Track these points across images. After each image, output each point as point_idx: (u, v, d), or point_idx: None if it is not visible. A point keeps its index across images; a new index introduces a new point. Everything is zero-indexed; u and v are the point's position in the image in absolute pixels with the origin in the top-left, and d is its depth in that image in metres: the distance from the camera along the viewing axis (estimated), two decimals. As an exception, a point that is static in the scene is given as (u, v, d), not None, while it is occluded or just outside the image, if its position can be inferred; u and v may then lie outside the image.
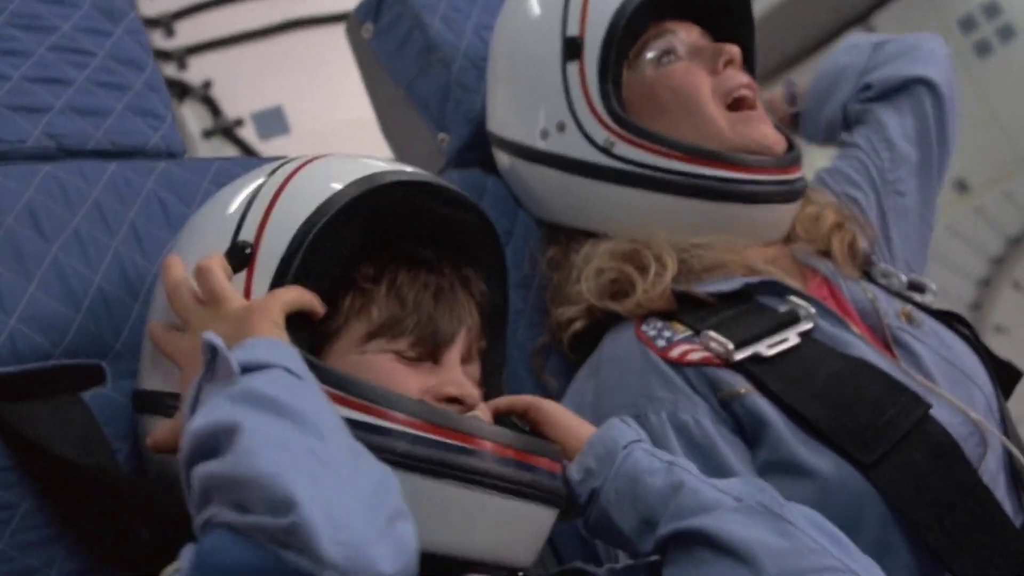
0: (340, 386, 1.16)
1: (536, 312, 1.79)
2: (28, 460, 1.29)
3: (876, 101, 1.91)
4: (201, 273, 1.23)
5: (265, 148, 3.16)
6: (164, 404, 1.26)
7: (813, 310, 1.60)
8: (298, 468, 0.95)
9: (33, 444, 1.28)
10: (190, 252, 1.29)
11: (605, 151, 1.71)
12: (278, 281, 1.22)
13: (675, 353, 1.57)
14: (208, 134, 3.19)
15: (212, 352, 1.07)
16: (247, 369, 1.05)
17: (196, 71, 3.26)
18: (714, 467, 1.47)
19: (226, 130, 3.19)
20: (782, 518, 1.18)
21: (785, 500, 1.22)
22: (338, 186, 1.26)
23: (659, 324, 1.62)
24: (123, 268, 1.43)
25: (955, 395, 1.57)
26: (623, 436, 1.28)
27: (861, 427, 1.47)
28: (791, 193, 1.72)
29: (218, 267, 1.23)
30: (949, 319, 1.73)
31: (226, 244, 1.26)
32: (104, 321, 1.39)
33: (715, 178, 1.67)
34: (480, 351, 1.33)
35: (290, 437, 0.98)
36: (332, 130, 3.07)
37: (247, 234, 1.26)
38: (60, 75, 1.53)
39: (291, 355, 1.10)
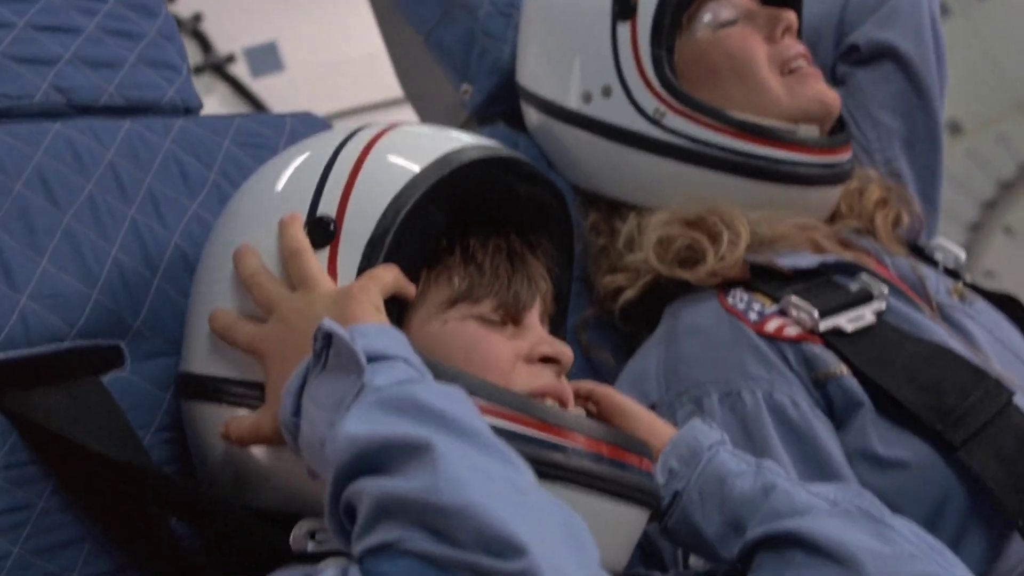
0: (445, 379, 1.06)
1: (577, 281, 1.68)
2: (45, 453, 1.18)
3: (860, 66, 1.81)
4: (292, 255, 1.13)
5: (257, 86, 3.03)
6: (226, 391, 1.15)
7: (886, 289, 1.52)
8: (510, 504, 0.86)
9: (51, 435, 1.17)
10: (258, 227, 1.18)
11: (654, 121, 1.61)
12: (367, 262, 1.13)
13: (771, 327, 1.49)
14: (198, 71, 3.04)
15: (327, 339, 0.99)
16: (368, 359, 0.97)
17: (185, 3, 3.09)
18: (811, 452, 1.41)
19: (217, 67, 3.05)
20: (883, 522, 1.11)
21: (883, 506, 1.15)
22: (425, 161, 1.17)
23: (744, 296, 1.53)
24: (141, 238, 1.31)
25: (1010, 376, 1.50)
26: (707, 437, 1.21)
27: (949, 408, 1.40)
28: (841, 175, 1.65)
29: (308, 248, 1.13)
30: (1001, 300, 1.66)
31: (302, 216, 1.17)
32: (122, 298, 1.27)
33: (768, 158, 1.59)
34: (550, 315, 1.27)
35: (484, 463, 0.89)
36: (329, 69, 2.94)
37: (327, 207, 1.16)
38: (68, 22, 1.40)
39: (405, 344, 1.02)
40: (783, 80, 1.62)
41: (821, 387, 1.45)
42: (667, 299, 1.61)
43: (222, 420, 1.14)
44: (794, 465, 1.40)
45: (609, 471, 1.10)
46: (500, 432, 1.03)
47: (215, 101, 1.76)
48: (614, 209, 1.68)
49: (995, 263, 4.72)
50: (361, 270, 1.13)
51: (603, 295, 1.66)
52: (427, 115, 1.94)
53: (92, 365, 1.25)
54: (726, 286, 1.55)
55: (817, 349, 1.46)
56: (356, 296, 1.08)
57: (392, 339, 1.01)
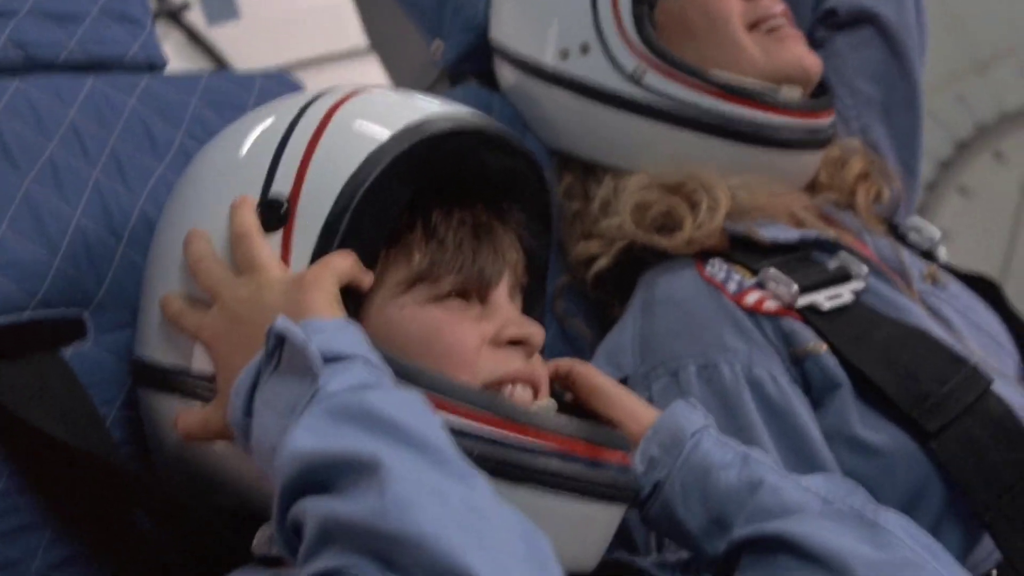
0: (412, 378, 1.01)
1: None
2: (3, 433, 1.11)
3: (838, 30, 1.75)
4: (238, 239, 1.06)
5: (213, 35, 2.93)
6: (179, 382, 1.09)
7: (865, 269, 1.47)
8: (465, 529, 0.79)
9: (9, 414, 1.10)
10: (209, 206, 1.11)
11: (634, 80, 1.55)
12: (323, 245, 1.06)
13: (750, 300, 1.44)
14: (151, 18, 2.94)
15: (280, 339, 0.92)
16: (324, 360, 0.91)
17: (138, -54, 2.99)
18: (789, 429, 1.37)
19: (171, 13, 2.95)
20: (877, 525, 1.07)
21: (877, 503, 1.10)
22: (386, 134, 1.09)
23: (723, 266, 1.48)
24: (105, 203, 1.25)
25: (989, 360, 1.47)
26: (690, 422, 1.15)
27: (924, 394, 1.36)
28: (823, 140, 1.60)
29: (257, 232, 1.06)
30: (973, 281, 1.62)
31: (254, 198, 1.09)
32: (85, 266, 1.21)
33: (749, 121, 1.54)
34: (522, 286, 1.19)
35: (438, 482, 0.83)
36: (288, 18, 2.85)
37: (281, 186, 1.08)
38: (26, -30, 1.33)
39: (363, 340, 0.96)
40: (758, 39, 1.57)
41: (799, 364, 1.41)
42: (642, 267, 1.56)
43: (176, 409, 1.09)
44: (772, 441, 1.36)
45: (581, 471, 1.04)
46: (463, 433, 0.99)
47: (168, 50, 1.67)
48: (589, 172, 1.62)
49: (950, 223, 4.71)
50: (316, 256, 1.06)
51: (576, 262, 1.60)
52: (396, 71, 1.88)
53: (53, 338, 1.18)
54: (704, 255, 1.51)
55: (796, 325, 1.42)
56: (310, 286, 1.01)
57: (350, 335, 0.95)
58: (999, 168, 3.88)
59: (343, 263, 1.04)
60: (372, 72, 2.40)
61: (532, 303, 1.21)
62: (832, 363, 1.39)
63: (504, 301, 1.13)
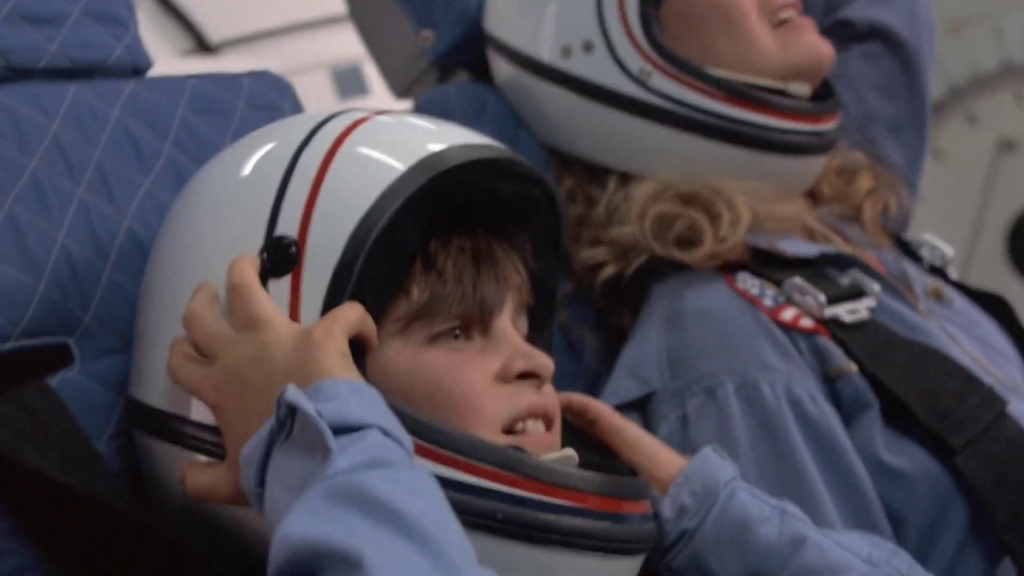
0: (425, 436, 0.97)
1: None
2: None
3: (850, 41, 1.71)
4: (237, 292, 0.99)
5: (185, 1, 2.85)
6: (182, 432, 1.04)
7: (877, 287, 1.44)
8: None
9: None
10: (208, 244, 1.05)
11: (639, 82, 1.50)
12: (335, 293, 0.99)
13: (787, 316, 1.41)
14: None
15: (291, 409, 0.88)
16: (338, 431, 0.86)
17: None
18: (830, 449, 1.34)
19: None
20: None
21: (921, 568, 1.08)
22: (399, 169, 1.02)
23: (754, 281, 1.45)
24: (90, 221, 1.19)
25: (1002, 377, 1.45)
26: (722, 472, 1.12)
27: (946, 411, 1.34)
28: (827, 145, 1.56)
29: (257, 284, 1.00)
30: (984, 298, 1.59)
31: (259, 237, 1.02)
32: (70, 290, 1.15)
33: (757, 124, 1.50)
34: (528, 306, 1.14)
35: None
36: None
37: (287, 226, 1.02)
38: (5, -28, 1.26)
39: (380, 404, 0.91)
40: (773, 32, 1.53)
41: (831, 383, 1.38)
42: (653, 276, 1.52)
43: (178, 460, 1.03)
44: (814, 462, 1.33)
45: (607, 528, 1.00)
46: (487, 492, 0.96)
47: (141, 17, 1.60)
48: (592, 174, 1.58)
49: (923, 186, 4.69)
50: (327, 303, 0.99)
51: (581, 269, 1.56)
52: (384, 61, 1.82)
53: (38, 368, 1.13)
54: (728, 268, 1.47)
55: (829, 343, 1.39)
56: (320, 344, 0.95)
57: (365, 401, 0.91)
58: (972, 131, 3.86)
59: (352, 314, 0.98)
60: (350, 40, 2.34)
61: (540, 327, 1.17)
62: (862, 384, 1.37)
63: (508, 329, 1.08)
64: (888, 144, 1.68)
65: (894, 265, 1.55)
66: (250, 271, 1.00)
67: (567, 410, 1.15)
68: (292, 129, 1.08)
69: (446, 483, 0.94)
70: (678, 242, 1.48)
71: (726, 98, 1.49)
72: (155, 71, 1.37)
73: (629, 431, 1.15)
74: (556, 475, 0.99)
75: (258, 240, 1.02)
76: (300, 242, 1.01)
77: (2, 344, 1.11)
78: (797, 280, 1.41)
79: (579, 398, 1.17)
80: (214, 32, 2.80)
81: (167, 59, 2.53)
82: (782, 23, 1.53)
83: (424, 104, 1.63)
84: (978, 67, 3.77)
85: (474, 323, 1.07)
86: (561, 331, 1.57)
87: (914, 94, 1.69)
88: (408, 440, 0.91)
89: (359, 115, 1.09)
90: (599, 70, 1.52)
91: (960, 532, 1.33)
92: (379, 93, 2.40)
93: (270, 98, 1.39)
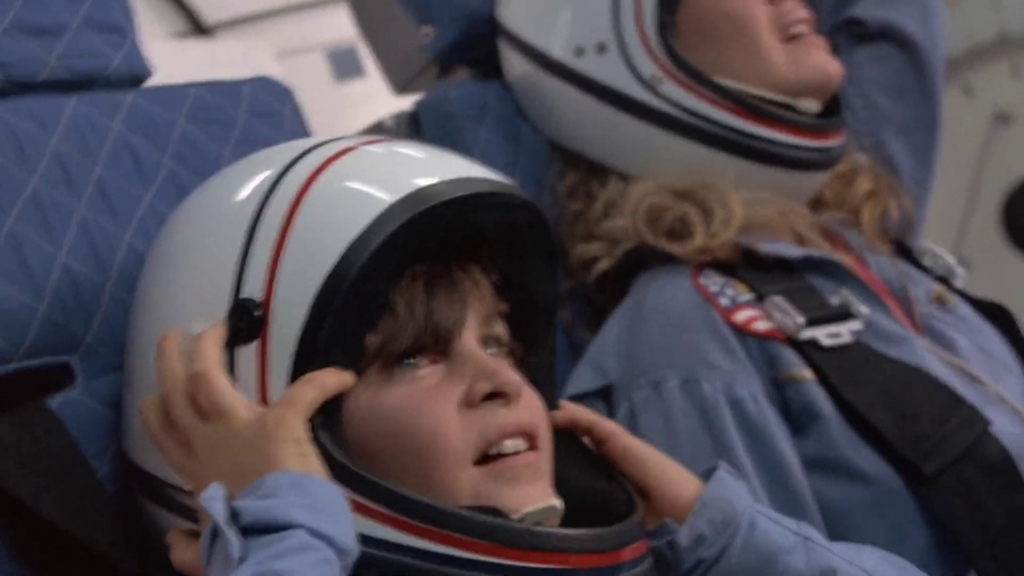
0: (394, 506, 0.96)
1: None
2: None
3: (859, 41, 1.70)
4: (197, 382, 0.98)
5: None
6: (167, 496, 1.03)
7: (866, 310, 1.44)
8: None
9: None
10: (180, 310, 1.04)
11: (650, 88, 1.50)
12: (303, 357, 0.97)
13: (740, 317, 1.41)
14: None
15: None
16: (264, 530, 0.86)
17: None
18: (766, 451, 1.35)
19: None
20: None
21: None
22: (363, 223, 0.98)
23: (719, 279, 1.45)
24: (91, 239, 1.18)
25: (996, 386, 1.46)
26: (739, 497, 1.10)
27: (922, 436, 1.34)
28: (832, 161, 1.56)
29: (217, 370, 0.98)
30: (989, 308, 1.59)
31: (225, 299, 1.00)
32: (72, 309, 1.14)
33: (764, 139, 1.50)
34: (502, 313, 1.09)
35: None
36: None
37: (253, 286, 0.99)
38: (4, -17, 1.24)
39: (322, 495, 0.90)
40: (784, 47, 1.52)
41: (780, 388, 1.39)
42: (639, 269, 1.52)
43: (169, 522, 1.03)
44: (749, 462, 1.35)
45: None
46: (464, 563, 0.95)
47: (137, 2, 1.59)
48: (595, 172, 1.57)
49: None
50: (295, 370, 0.97)
51: (577, 264, 1.56)
52: (384, 56, 1.81)
53: (39, 388, 1.13)
54: (703, 265, 1.47)
55: (783, 350, 1.40)
56: (270, 435, 0.94)
57: (305, 493, 0.90)
58: (968, 103, 3.85)
59: (309, 392, 0.96)
60: (345, 22, 2.33)
61: (540, 343, 1.14)
62: (816, 393, 1.37)
63: (471, 349, 1.04)
64: (897, 146, 1.67)
65: (892, 271, 1.54)
66: (212, 354, 0.98)
67: (574, 428, 1.14)
68: (261, 170, 1.05)
69: (418, 553, 0.94)
70: (669, 234, 1.48)
71: (734, 110, 1.49)
72: (150, 53, 1.35)
73: (637, 451, 1.12)
74: (535, 538, 0.97)
75: (224, 302, 1.00)
76: (265, 305, 0.98)
77: (4, 365, 1.10)
78: (778, 299, 1.41)
79: (586, 417, 1.14)
80: (209, 14, 2.77)
81: (162, 41, 2.51)
82: (793, 38, 1.53)
83: (424, 108, 1.63)
84: (975, 38, 3.76)
85: (432, 348, 1.03)
86: (563, 333, 1.56)
87: (926, 94, 1.68)
88: (346, 535, 0.90)
89: (323, 156, 1.04)
90: (610, 72, 1.52)
91: (922, 548, 1.33)
92: (375, 75, 2.39)
93: (271, 105, 1.37)
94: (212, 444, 0.96)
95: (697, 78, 1.49)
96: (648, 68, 1.50)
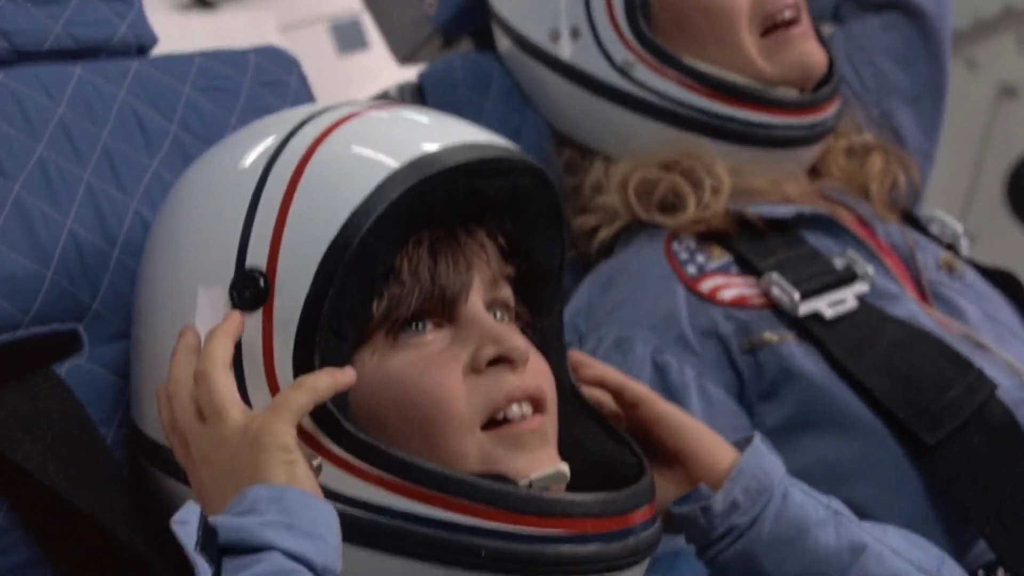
0: (402, 473, 0.96)
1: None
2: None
3: (869, 9, 1.69)
4: (199, 381, 0.96)
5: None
6: (174, 464, 1.02)
7: (871, 270, 1.44)
8: None
9: (5, 446, 1.05)
10: (186, 280, 1.03)
11: (622, 72, 1.50)
12: (308, 325, 0.96)
13: (706, 287, 1.42)
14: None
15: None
16: (241, 551, 0.85)
17: None
18: None
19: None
20: None
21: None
22: (365, 190, 0.98)
23: (692, 244, 1.45)
24: (98, 206, 1.18)
25: (1003, 352, 1.45)
26: (774, 467, 1.12)
27: (926, 404, 1.34)
28: (823, 134, 1.54)
29: (219, 368, 0.96)
30: (997, 276, 1.58)
31: (230, 268, 1.00)
32: (79, 276, 1.15)
33: (742, 120, 1.49)
34: (508, 277, 1.09)
35: None
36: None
37: (257, 255, 0.99)
38: (8, -49, 1.24)
39: (304, 510, 0.89)
40: (762, 41, 1.51)
41: (751, 354, 1.38)
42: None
43: (174, 489, 1.03)
44: None
45: (598, 550, 0.98)
46: (470, 530, 0.95)
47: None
48: (584, 151, 1.58)
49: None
50: (299, 339, 0.97)
51: (577, 235, 1.56)
52: (387, 27, 1.80)
53: (47, 355, 1.13)
54: (677, 234, 1.47)
55: (755, 314, 1.40)
56: (255, 443, 0.92)
57: (288, 508, 0.88)
58: (972, 76, 3.83)
59: (303, 399, 0.94)
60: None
61: (548, 308, 1.13)
62: (792, 351, 1.37)
63: (477, 313, 1.03)
64: (904, 115, 1.67)
65: (900, 238, 1.54)
66: (218, 353, 0.97)
67: (601, 386, 1.14)
68: (265, 136, 1.05)
69: (426, 520, 0.94)
70: (662, 207, 1.49)
71: (709, 93, 1.49)
72: (154, 26, 1.35)
73: (673, 418, 1.13)
74: (543, 504, 0.97)
75: (229, 270, 1.00)
76: (270, 273, 0.98)
77: (12, 332, 1.11)
78: (774, 275, 1.41)
79: (616, 379, 1.14)
80: (214, -14, 2.76)
81: (166, 13, 2.51)
82: (774, 29, 1.51)
83: (430, 76, 1.62)
84: (980, 11, 3.74)
85: (438, 313, 1.03)
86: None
87: (933, 62, 1.67)
88: (326, 553, 0.88)
89: (326, 123, 1.04)
90: (584, 57, 1.51)
91: (919, 501, 1.34)
92: (379, 48, 2.38)
93: (276, 75, 1.37)
94: (205, 448, 0.95)
95: (670, 62, 1.48)
96: (620, 52, 1.49)
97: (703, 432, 1.13)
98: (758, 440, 1.13)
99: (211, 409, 0.95)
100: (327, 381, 0.96)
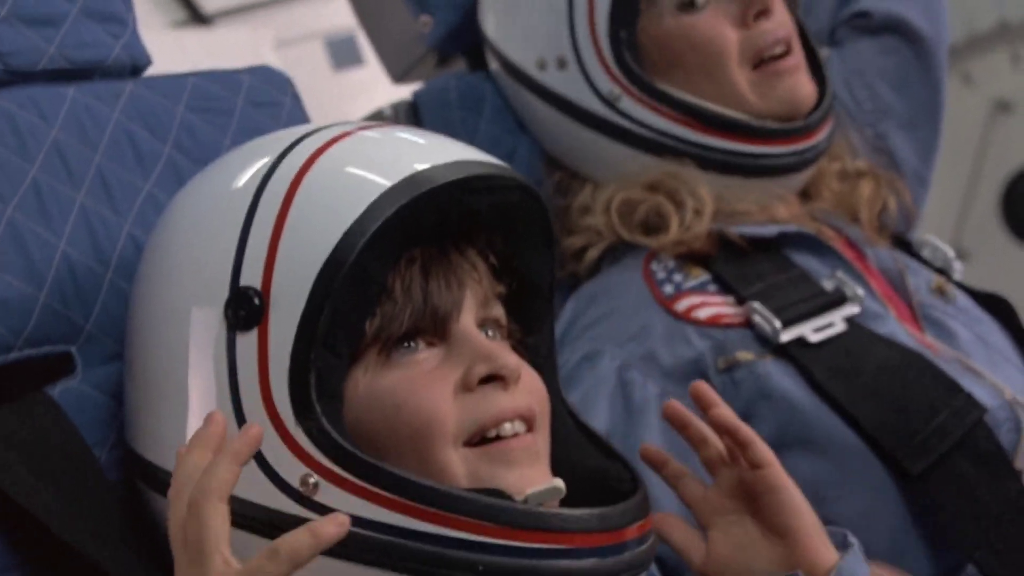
0: (399, 490, 0.96)
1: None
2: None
3: (865, 33, 1.70)
4: (190, 509, 0.91)
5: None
6: (169, 485, 0.99)
7: (861, 291, 1.44)
8: None
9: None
10: (179, 300, 1.04)
11: (609, 103, 1.51)
12: (303, 343, 0.96)
13: (682, 306, 1.42)
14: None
15: None
16: None
17: None
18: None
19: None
20: None
21: None
22: (359, 208, 0.98)
23: (671, 264, 1.46)
24: (91, 228, 1.18)
25: (995, 378, 1.44)
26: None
27: (913, 431, 1.34)
28: (807, 162, 1.54)
29: (213, 501, 0.89)
30: (988, 300, 1.58)
31: (224, 287, 1.00)
32: (72, 298, 1.15)
33: (730, 151, 1.49)
34: (499, 295, 1.09)
35: None
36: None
37: (252, 274, 0.99)
38: (2, -28, 1.24)
39: None
40: (753, 76, 1.50)
41: (727, 372, 1.38)
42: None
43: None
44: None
45: (595, 564, 0.98)
46: (464, 544, 0.95)
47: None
48: (572, 174, 1.59)
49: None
50: (295, 359, 0.96)
51: (566, 256, 1.57)
52: (382, 46, 1.81)
53: (40, 377, 1.13)
54: (656, 253, 1.48)
55: (732, 333, 1.40)
56: None
57: None
58: (967, 91, 3.84)
59: (280, 569, 0.87)
60: (344, 10, 2.33)
61: (539, 324, 1.14)
62: (771, 372, 1.37)
63: (469, 332, 1.04)
64: (900, 139, 1.67)
65: (891, 262, 1.54)
66: (219, 481, 0.90)
67: (729, 434, 1.12)
68: (259, 156, 1.05)
69: (423, 536, 0.94)
70: (644, 227, 1.49)
71: (695, 125, 1.49)
72: (149, 43, 1.35)
73: (794, 496, 1.12)
74: (539, 519, 0.97)
75: (224, 290, 1.00)
76: (265, 292, 0.98)
77: (5, 354, 1.11)
78: (756, 304, 1.41)
79: (747, 430, 1.12)
80: (208, 3, 2.76)
81: (161, 31, 2.51)
82: (767, 62, 1.51)
83: (424, 95, 1.63)
84: (974, 26, 3.75)
85: (430, 331, 1.03)
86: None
87: (931, 87, 1.68)
88: None
89: (319, 143, 1.04)
90: (571, 87, 1.52)
91: (901, 520, 1.34)
92: (374, 64, 2.39)
93: (270, 95, 1.38)
94: (183, 572, 0.91)
95: (655, 95, 1.49)
96: (606, 84, 1.50)
97: (813, 521, 1.12)
98: (856, 547, 1.12)
99: (195, 547, 0.90)
100: (308, 543, 0.88)
